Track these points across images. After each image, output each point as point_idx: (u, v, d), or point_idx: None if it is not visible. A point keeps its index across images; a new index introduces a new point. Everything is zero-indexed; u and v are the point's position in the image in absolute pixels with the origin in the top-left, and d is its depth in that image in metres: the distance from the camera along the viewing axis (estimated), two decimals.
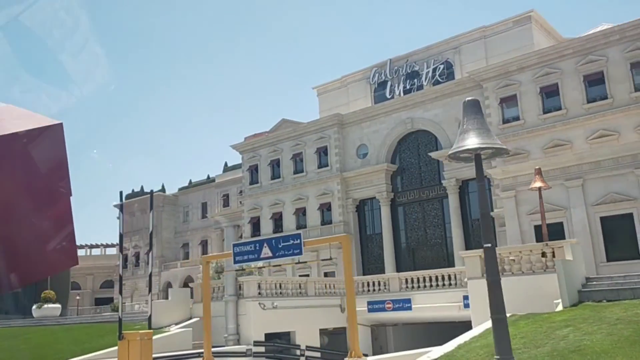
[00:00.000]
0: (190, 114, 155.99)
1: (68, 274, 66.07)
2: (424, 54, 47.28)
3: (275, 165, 53.65)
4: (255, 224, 54.33)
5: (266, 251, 12.44)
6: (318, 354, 21.57)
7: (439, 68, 46.05)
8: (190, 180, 76.51)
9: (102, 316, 31.82)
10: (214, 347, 19.61)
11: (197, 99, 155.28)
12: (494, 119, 40.53)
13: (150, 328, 20.94)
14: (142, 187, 77.94)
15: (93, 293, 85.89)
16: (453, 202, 42.22)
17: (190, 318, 21.86)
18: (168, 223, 74.38)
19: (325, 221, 49.04)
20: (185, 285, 71.79)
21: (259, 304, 20.41)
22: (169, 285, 71.28)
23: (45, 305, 28.63)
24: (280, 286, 21.92)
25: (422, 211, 45.38)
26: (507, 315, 8.07)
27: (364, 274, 46.68)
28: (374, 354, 24.17)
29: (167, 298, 69.01)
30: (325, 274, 46.50)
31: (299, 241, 11.78)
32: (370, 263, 47.33)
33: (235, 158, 68.89)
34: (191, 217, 73.67)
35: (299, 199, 50.80)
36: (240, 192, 64.47)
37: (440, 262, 41.66)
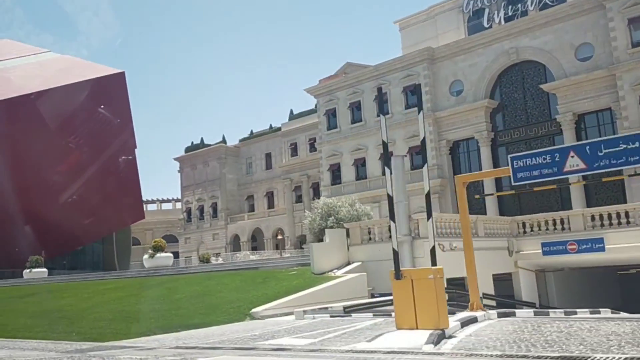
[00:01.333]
0: (249, 62, 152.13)
1: (129, 230, 64.88)
2: None
3: (356, 108, 50.01)
4: (335, 171, 51.28)
5: (575, 162, 9.11)
6: (493, 303, 18.54)
7: None
8: (252, 131, 73.64)
9: (204, 266, 29.51)
10: (384, 294, 16.80)
11: (256, 48, 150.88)
12: (620, 43, 35.84)
13: (317, 273, 18.23)
14: (202, 139, 75.58)
15: None
16: (569, 139, 38.05)
17: (349, 263, 19.03)
18: (231, 175, 72.14)
19: (416, 166, 45.56)
20: (254, 238, 70.07)
21: (439, 244, 17.37)
22: (236, 238, 69.70)
23: (158, 255, 26.43)
24: (455, 225, 18.86)
25: (529, 150, 41.35)
26: None
27: None
28: (540, 305, 21.03)
29: (234, 251, 67.59)
30: None
31: (638, 144, 8.43)
32: (469, 210, 43.81)
33: (301, 105, 64.94)
34: (255, 168, 71.16)
35: None
36: (310, 140, 61.34)
37: (552, 206, 37.98)
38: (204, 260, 39.71)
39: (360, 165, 49.36)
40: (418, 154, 45.54)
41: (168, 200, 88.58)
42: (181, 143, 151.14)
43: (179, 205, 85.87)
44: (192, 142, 76.76)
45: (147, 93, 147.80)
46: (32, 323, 15.07)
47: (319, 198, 61.54)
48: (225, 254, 66.26)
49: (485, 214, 41.32)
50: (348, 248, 19.83)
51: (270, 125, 71.08)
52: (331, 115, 51.91)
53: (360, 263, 18.62)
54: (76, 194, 53.93)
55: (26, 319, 16.00)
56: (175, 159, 76.74)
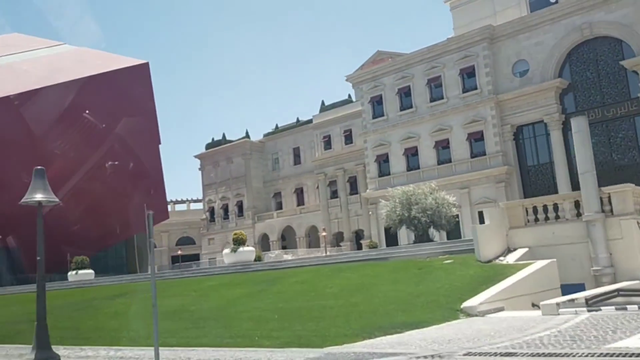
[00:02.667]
0: (270, 56, 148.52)
1: (144, 233, 61.34)
2: None
3: (404, 94, 46.86)
4: (383, 162, 48.05)
5: None
6: None
7: None
8: (277, 125, 70.33)
9: (300, 260, 26.18)
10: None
11: (277, 41, 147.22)
12: None
13: (483, 261, 14.99)
14: (224, 135, 72.09)
15: (169, 251, 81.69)
16: None
17: (509, 249, 15.78)
18: (256, 171, 68.72)
19: (476, 153, 42.49)
20: (283, 237, 66.65)
21: (638, 223, 14.20)
22: (264, 237, 66.27)
23: (241, 249, 23.13)
24: None
25: (606, 133, 38.39)
26: None
27: None
28: None
29: (263, 250, 64.14)
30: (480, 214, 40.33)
31: None
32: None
33: (330, 97, 61.22)
34: (282, 164, 67.77)
35: (440, 129, 44.16)
36: (346, 132, 58.08)
37: None
38: (257, 258, 36.63)
39: (411, 155, 46.18)
40: (478, 141, 42.49)
41: (182, 201, 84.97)
42: (196, 140, 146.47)
43: (194, 205, 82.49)
44: (213, 139, 73.30)
45: (161, 87, 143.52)
46: (176, 327, 11.75)
47: (356, 193, 58.58)
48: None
49: None
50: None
51: (298, 118, 67.80)
52: (376, 102, 48.73)
53: (527, 249, 15.38)
54: (99, 193, 50.41)
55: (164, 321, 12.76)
56: (196, 157, 73.23)
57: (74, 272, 31.62)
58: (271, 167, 68.81)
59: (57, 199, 9.63)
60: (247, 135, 70.21)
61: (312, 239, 61.39)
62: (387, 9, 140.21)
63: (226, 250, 24.26)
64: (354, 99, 62.08)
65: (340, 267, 17.63)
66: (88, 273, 31.94)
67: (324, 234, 53.16)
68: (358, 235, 57.94)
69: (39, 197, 9.95)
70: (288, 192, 66.58)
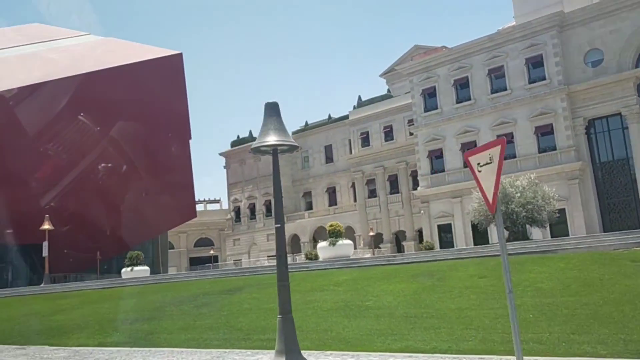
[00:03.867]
0: (295, 53, 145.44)
1: (166, 232, 58.38)
2: None
3: (461, 85, 44.15)
4: (436, 157, 45.25)
5: None
6: None
7: None
8: (307, 122, 67.49)
9: (415, 256, 23.24)
10: None
11: (302, 38, 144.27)
12: None
13: None
14: (250, 132, 69.12)
15: (188, 252, 78.55)
16: None
17: None
18: (285, 170, 65.57)
19: (544, 148, 39.79)
20: (314, 239, 63.47)
21: None
22: (294, 238, 63.21)
23: (340, 242, 20.19)
24: None
25: None
26: None
27: (601, 210, 37.73)
28: None
29: (294, 252, 61.08)
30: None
31: None
32: (612, 196, 38.12)
33: (369, 92, 57.81)
34: (312, 162, 64.90)
35: (502, 123, 41.44)
36: (385, 128, 55.27)
37: None
38: (312, 257, 33.83)
39: (468, 149, 43.32)
40: (546, 135, 39.80)
41: (200, 202, 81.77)
42: (217, 137, 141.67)
43: (210, 207, 79.39)
44: (238, 136, 70.38)
45: (201, 82, 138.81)
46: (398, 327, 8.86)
47: (397, 192, 55.60)
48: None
49: (635, 202, 35.73)
50: None
51: (329, 115, 65.01)
52: (428, 95, 45.98)
53: None
54: (129, 190, 47.18)
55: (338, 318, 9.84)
56: (221, 154, 70.24)
57: (128, 268, 28.56)
58: (300, 166, 65.91)
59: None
60: None
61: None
62: (419, 3, 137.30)
63: (323, 244, 21.38)
64: (390, 94, 59.45)
65: (496, 261, 14.73)
66: (144, 270, 28.91)
67: (371, 233, 50.22)
68: (397, 237, 55.10)
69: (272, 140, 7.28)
70: (319, 192, 63.68)
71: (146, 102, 45.35)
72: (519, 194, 24.55)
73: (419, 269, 15.10)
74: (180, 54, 48.10)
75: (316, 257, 31.97)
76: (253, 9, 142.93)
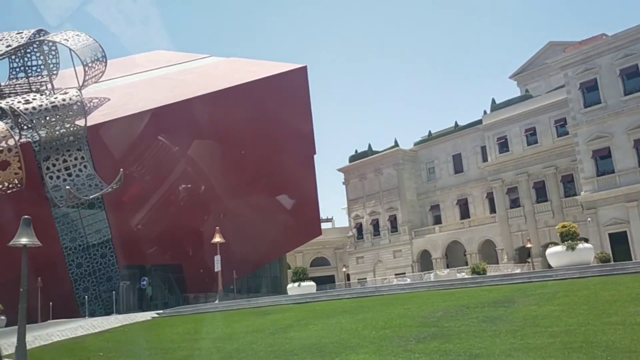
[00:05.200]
0: (412, 63, 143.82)
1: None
2: None
3: (628, 75, 39.02)
4: (601, 158, 40.11)
5: None
6: None
7: None
8: (430, 132, 64.05)
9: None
10: None
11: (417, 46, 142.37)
12: None
13: None
14: (369, 146, 66.72)
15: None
16: None
17: None
18: (409, 183, 62.46)
19: None
20: (446, 255, 59.32)
21: None
22: (423, 254, 59.47)
23: (580, 246, 16.58)
24: None
25: None
26: None
27: None
28: None
29: (423, 269, 57.20)
30: None
31: None
32: None
33: (497, 96, 53.64)
34: (438, 173, 61.16)
35: None
36: (527, 131, 50.52)
37: None
38: (480, 271, 29.84)
39: None
40: None
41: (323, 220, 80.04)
42: (330, 152, 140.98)
43: (324, 225, 77.36)
44: (356, 150, 68.14)
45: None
46: None
47: (545, 200, 50.48)
48: (413, 274, 56.16)
49: None
50: None
51: (456, 122, 61.23)
52: (587, 89, 41.15)
53: None
54: (258, 209, 45.80)
55: None
56: (340, 170, 68.23)
57: (295, 284, 26.42)
58: (426, 178, 62.36)
59: None
60: (396, 144, 64.38)
61: (484, 255, 53.78)
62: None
63: (556, 249, 17.80)
64: (530, 94, 54.73)
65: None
66: (310, 285, 26.66)
67: (529, 245, 45.62)
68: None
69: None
70: (448, 204, 59.68)
71: (273, 118, 44.16)
72: None
73: None
74: (305, 67, 46.80)
75: (484, 272, 28.41)
76: (370, 14, 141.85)
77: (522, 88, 60.69)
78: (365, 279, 63.18)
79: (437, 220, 60.55)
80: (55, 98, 34.35)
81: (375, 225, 63.79)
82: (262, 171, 43.70)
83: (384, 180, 63.13)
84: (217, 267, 24.97)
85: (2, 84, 41.39)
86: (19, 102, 34.59)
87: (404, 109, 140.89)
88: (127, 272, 40.76)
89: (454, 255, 57.70)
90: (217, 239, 25.24)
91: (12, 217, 36.93)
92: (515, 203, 51.67)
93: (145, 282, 30.26)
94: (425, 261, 59.23)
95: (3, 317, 30.09)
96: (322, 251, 77.34)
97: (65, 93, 35.92)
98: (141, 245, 37.87)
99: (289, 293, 26.86)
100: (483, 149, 56.10)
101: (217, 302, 24.20)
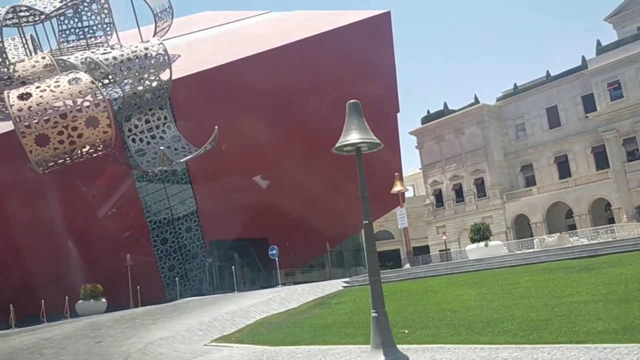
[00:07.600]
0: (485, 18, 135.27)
1: None
2: None
3: None
4: None
5: None
6: None
7: None
8: (515, 85, 57.95)
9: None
10: None
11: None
12: None
13: None
14: (445, 104, 60.87)
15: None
16: None
17: None
18: (495, 143, 56.60)
19: None
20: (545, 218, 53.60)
21: None
22: (519, 218, 53.88)
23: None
24: None
25: None
26: None
27: None
28: None
29: (516, 237, 51.52)
30: None
31: None
32: None
33: (595, 40, 46.95)
34: (529, 129, 55.20)
35: None
36: None
37: None
38: None
39: None
40: None
41: None
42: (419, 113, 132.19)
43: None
44: (428, 111, 62.34)
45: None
46: None
47: None
48: (508, 242, 50.57)
49: None
50: None
51: (548, 72, 55.01)
52: None
53: None
54: (343, 172, 40.33)
55: None
56: (412, 133, 62.53)
57: (482, 243, 21.21)
58: (514, 136, 56.47)
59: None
60: (477, 101, 58.44)
61: (595, 217, 48.05)
62: None
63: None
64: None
65: None
66: (497, 245, 21.48)
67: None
68: None
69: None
70: (543, 163, 53.78)
71: (356, 71, 38.64)
72: None
73: None
74: (389, 12, 41.09)
75: None
76: None
77: (620, 31, 54.22)
78: (449, 249, 57.81)
79: (530, 182, 54.80)
80: (137, 47, 29.13)
81: (458, 190, 58.21)
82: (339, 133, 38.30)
83: (466, 140, 57.39)
84: (404, 223, 19.72)
85: (53, 48, 36.39)
86: (93, 53, 29.48)
87: (480, 64, 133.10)
88: (212, 248, 35.97)
89: (552, 219, 52.01)
90: (398, 187, 19.93)
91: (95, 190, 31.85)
92: (633, 155, 45.74)
93: (274, 252, 25.14)
94: (520, 227, 53.68)
95: (104, 300, 25.31)
96: (385, 224, 71.92)
97: (147, 41, 30.74)
98: (227, 217, 32.87)
99: (469, 256, 21.59)
100: (585, 98, 50.03)
101: (407, 266, 18.96)
